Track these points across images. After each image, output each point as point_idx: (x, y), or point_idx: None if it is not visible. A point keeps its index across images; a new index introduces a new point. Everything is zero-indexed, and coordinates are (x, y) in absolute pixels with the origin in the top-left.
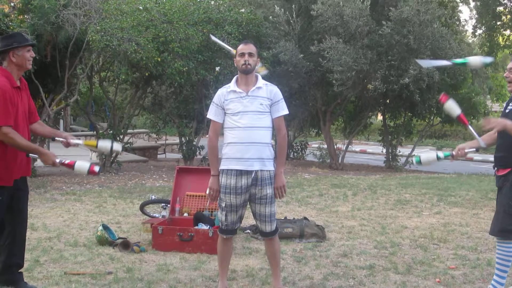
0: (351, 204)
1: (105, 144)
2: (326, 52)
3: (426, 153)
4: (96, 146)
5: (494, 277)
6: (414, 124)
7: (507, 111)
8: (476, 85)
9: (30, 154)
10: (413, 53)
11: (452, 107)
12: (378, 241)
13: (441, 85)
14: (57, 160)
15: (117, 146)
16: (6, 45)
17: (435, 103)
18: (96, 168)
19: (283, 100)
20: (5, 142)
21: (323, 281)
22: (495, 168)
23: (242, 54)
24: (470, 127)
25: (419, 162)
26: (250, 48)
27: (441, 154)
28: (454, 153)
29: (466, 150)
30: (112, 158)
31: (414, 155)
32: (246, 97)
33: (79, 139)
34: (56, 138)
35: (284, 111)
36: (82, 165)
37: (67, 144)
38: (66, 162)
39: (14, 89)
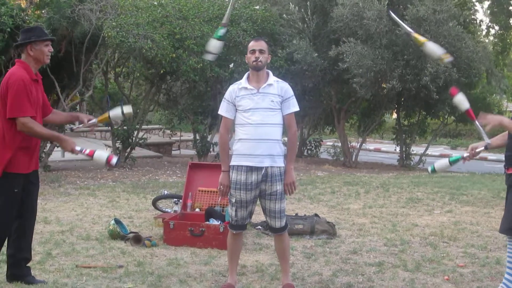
0: (362, 202)
1: (116, 112)
2: (344, 55)
3: (439, 161)
4: (109, 117)
5: (506, 275)
6: (428, 123)
7: None
8: (492, 84)
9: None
10: None
11: (462, 101)
12: (388, 238)
13: (457, 84)
14: (77, 148)
15: (128, 109)
16: (24, 38)
17: (452, 102)
18: (114, 160)
19: (294, 97)
20: (25, 132)
21: (332, 277)
22: (505, 167)
23: (253, 51)
24: (476, 122)
25: (434, 171)
26: (261, 45)
27: (452, 159)
28: (465, 154)
29: (477, 150)
30: (126, 154)
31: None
32: (257, 94)
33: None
34: (73, 127)
35: (295, 108)
36: (101, 155)
37: (85, 124)
38: (86, 152)
39: (32, 81)
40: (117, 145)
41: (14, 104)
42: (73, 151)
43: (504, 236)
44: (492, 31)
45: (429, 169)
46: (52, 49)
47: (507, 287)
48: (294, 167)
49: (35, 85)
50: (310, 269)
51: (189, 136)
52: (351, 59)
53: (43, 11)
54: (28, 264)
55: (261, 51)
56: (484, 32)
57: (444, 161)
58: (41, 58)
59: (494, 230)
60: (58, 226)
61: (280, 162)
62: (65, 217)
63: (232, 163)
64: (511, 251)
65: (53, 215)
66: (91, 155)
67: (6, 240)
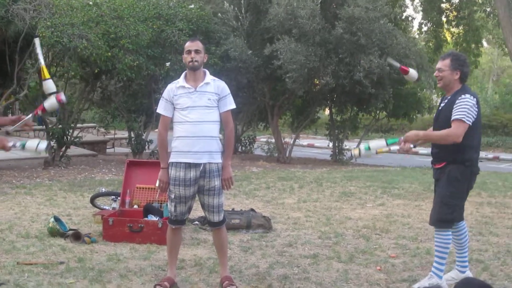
0: (297, 197)
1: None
2: (279, 52)
3: (375, 141)
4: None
5: (434, 264)
6: (360, 119)
7: (440, 108)
8: (422, 79)
9: None
10: (362, 48)
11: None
12: (322, 231)
13: (390, 79)
14: (9, 144)
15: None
16: None
17: (387, 97)
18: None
19: (230, 95)
20: None
21: (269, 269)
22: (433, 163)
23: (189, 52)
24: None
25: (368, 149)
26: (197, 45)
27: (390, 140)
28: (402, 139)
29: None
30: (61, 153)
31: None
32: (194, 93)
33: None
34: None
35: (232, 105)
36: (32, 142)
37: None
38: (17, 144)
39: None
40: (52, 144)
41: None
42: (4, 147)
43: (434, 228)
44: (425, 28)
45: (363, 147)
46: None
47: (435, 275)
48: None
49: None
50: (247, 262)
51: (123, 134)
52: (285, 56)
53: None
54: None
55: (197, 51)
56: (416, 29)
57: (381, 142)
58: None
59: (424, 222)
60: None
61: (217, 159)
62: (3, 216)
63: (171, 160)
64: (439, 241)
65: None
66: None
67: None
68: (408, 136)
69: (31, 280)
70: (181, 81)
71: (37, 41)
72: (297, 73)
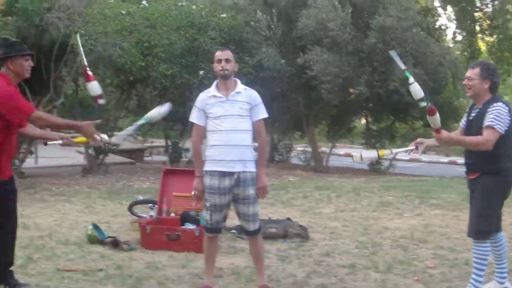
0: (334, 206)
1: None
2: (311, 63)
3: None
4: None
5: (472, 275)
6: (397, 128)
7: (470, 117)
8: (458, 88)
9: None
10: None
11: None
12: (360, 241)
13: (426, 88)
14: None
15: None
16: (4, 53)
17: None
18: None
19: (262, 103)
20: (42, 124)
21: (306, 278)
22: (467, 173)
23: (219, 61)
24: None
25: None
26: (227, 54)
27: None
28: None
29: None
30: (99, 161)
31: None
32: (226, 102)
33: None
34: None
35: (264, 114)
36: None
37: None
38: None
39: None
40: (90, 151)
41: (20, 108)
42: (94, 139)
43: (472, 239)
44: (459, 37)
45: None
46: (32, 64)
47: (474, 286)
48: (265, 172)
49: None
50: (284, 271)
51: (160, 142)
52: (318, 66)
53: (10, 18)
54: (11, 268)
55: (227, 60)
56: (450, 37)
57: (373, 152)
58: (21, 72)
59: (462, 232)
60: (37, 231)
61: (251, 167)
62: (43, 223)
63: (206, 168)
64: (477, 253)
65: (31, 221)
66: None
67: None
68: (441, 138)
69: (71, 286)
70: (212, 90)
71: (78, 37)
72: (331, 84)
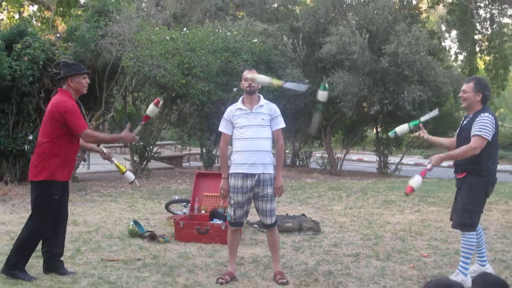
0: (344, 204)
1: (129, 175)
2: (334, 84)
3: (400, 126)
4: (123, 173)
5: (460, 263)
6: (403, 137)
7: (462, 124)
8: (458, 102)
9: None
10: (405, 78)
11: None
12: (364, 234)
13: (429, 103)
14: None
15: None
16: (66, 72)
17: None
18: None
19: (281, 116)
20: (91, 141)
21: (316, 266)
22: (455, 173)
23: (246, 79)
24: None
25: (395, 134)
26: (253, 73)
27: (412, 123)
28: (423, 119)
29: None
30: (143, 166)
31: (402, 163)
32: (250, 114)
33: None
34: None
35: (282, 125)
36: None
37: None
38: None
39: None
40: (135, 158)
41: (76, 122)
42: (134, 139)
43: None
44: (461, 57)
45: (390, 134)
46: (89, 81)
47: (461, 272)
48: (286, 175)
49: None
50: (297, 259)
51: (197, 150)
52: (339, 87)
53: (69, 44)
54: (61, 259)
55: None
56: (453, 57)
57: (405, 126)
58: (80, 88)
59: None
60: (85, 227)
61: (270, 170)
62: (91, 220)
63: (231, 171)
64: (464, 242)
65: (81, 218)
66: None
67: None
68: (435, 161)
69: (113, 274)
70: (239, 104)
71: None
72: (350, 102)
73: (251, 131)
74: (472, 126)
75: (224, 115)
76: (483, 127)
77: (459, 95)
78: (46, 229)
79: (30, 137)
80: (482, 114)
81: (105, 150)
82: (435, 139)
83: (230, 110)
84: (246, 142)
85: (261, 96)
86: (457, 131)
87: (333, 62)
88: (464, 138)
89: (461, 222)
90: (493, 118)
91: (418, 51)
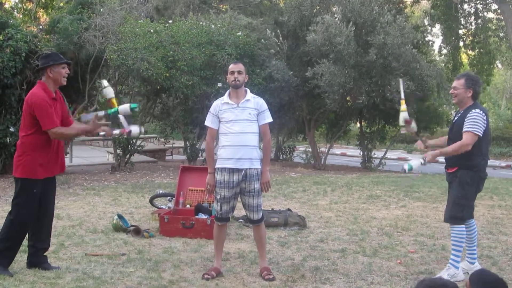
0: (329, 199)
1: (124, 106)
2: (320, 75)
3: (414, 161)
4: (118, 107)
5: (451, 256)
6: (387, 131)
7: (454, 120)
8: (442, 97)
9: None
10: (390, 70)
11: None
12: (350, 229)
13: (414, 97)
14: (115, 132)
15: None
16: (44, 63)
17: (411, 112)
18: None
19: (268, 110)
20: (58, 138)
21: (302, 261)
22: (446, 168)
23: (232, 72)
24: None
25: (411, 170)
26: (239, 67)
27: (422, 160)
28: (425, 155)
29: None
30: (126, 159)
31: (385, 158)
32: (237, 108)
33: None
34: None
35: (269, 119)
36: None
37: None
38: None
39: (51, 99)
40: (118, 151)
41: (44, 119)
42: (108, 133)
43: (448, 226)
44: (444, 51)
45: (407, 167)
46: (68, 71)
47: (453, 266)
48: (270, 169)
49: (53, 103)
50: (283, 255)
51: (180, 143)
52: (325, 78)
53: (52, 37)
54: (45, 253)
55: (239, 72)
56: (436, 51)
57: (417, 162)
58: (58, 79)
59: (441, 221)
60: (69, 221)
61: (257, 165)
62: (74, 214)
63: (217, 165)
64: (454, 235)
65: (64, 212)
66: (126, 132)
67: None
68: (429, 158)
69: (97, 269)
70: (225, 98)
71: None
72: (335, 94)
73: (238, 126)
74: (464, 122)
75: (210, 109)
76: (474, 123)
77: (450, 91)
78: (27, 224)
79: (12, 129)
80: (473, 110)
81: (104, 132)
82: (435, 142)
83: (217, 104)
84: (233, 137)
85: (248, 90)
86: (449, 127)
87: (319, 55)
88: (456, 134)
89: (451, 215)
90: (484, 114)
91: (404, 43)
